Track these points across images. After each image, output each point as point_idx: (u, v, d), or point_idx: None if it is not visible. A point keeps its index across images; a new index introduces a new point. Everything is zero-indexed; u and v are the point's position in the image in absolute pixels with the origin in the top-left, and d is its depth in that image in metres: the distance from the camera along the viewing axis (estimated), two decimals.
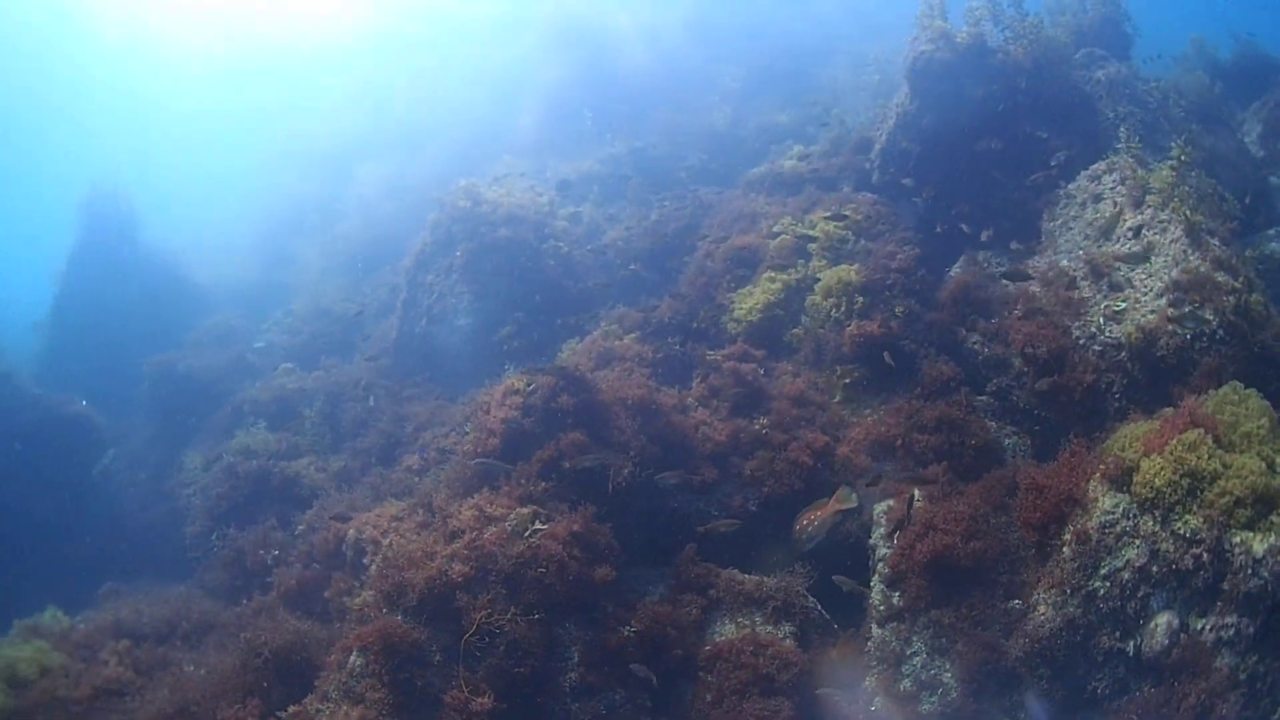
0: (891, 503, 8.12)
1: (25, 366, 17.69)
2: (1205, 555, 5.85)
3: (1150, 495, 6.14)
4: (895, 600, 7.51)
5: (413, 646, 6.85)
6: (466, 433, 10.06)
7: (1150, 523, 6.16)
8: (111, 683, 8.09)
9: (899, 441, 9.10)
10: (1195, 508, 5.95)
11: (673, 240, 14.22)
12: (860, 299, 10.70)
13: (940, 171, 12.44)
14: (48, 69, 44.70)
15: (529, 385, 9.11)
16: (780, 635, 7.75)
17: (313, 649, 7.71)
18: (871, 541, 8.06)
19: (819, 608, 8.23)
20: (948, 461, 8.63)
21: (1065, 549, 6.59)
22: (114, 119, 45.61)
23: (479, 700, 6.53)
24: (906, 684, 7.09)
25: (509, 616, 7.03)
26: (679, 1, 25.63)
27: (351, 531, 9.23)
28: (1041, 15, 13.46)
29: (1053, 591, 6.54)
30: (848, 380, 10.27)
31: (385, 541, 8.43)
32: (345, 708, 6.60)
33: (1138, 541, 6.17)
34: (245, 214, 26.80)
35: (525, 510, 7.93)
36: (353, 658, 6.88)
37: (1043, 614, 6.56)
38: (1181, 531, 5.97)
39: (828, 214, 12.10)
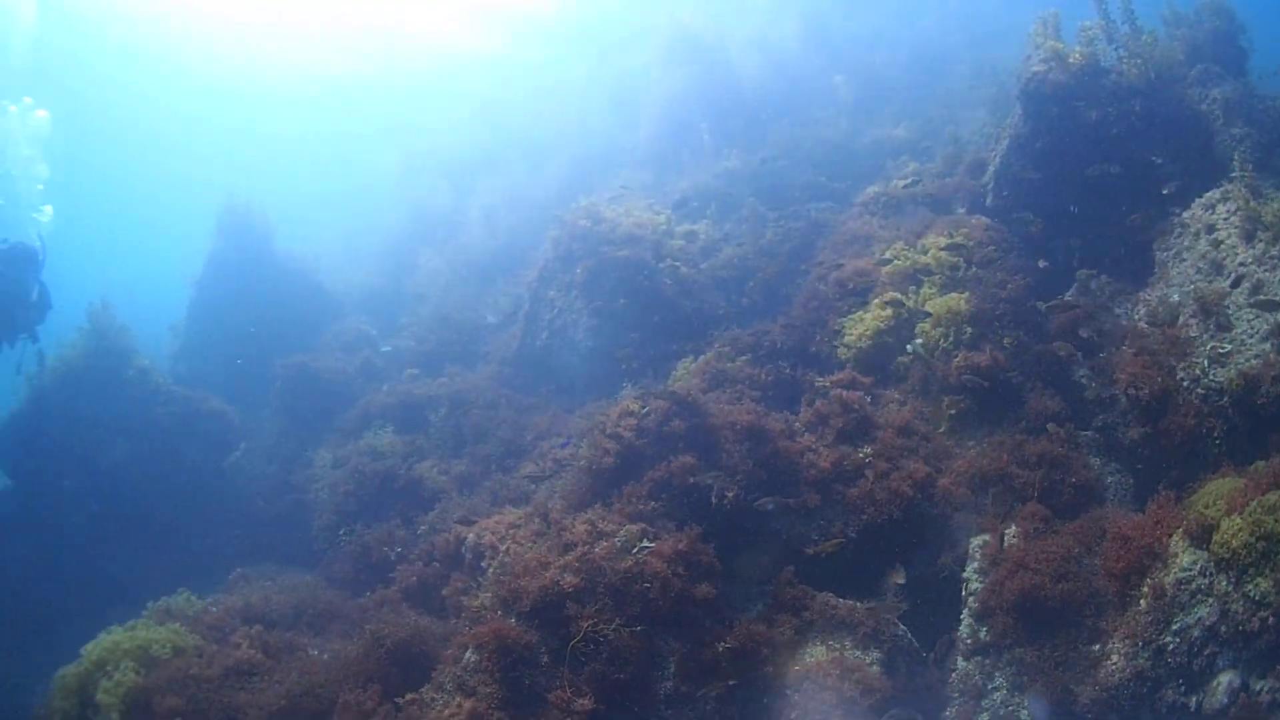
0: (987, 538, 8.30)
1: (162, 364, 18.71)
2: (1271, 619, 5.96)
3: (1227, 555, 6.26)
4: (982, 635, 7.74)
5: (524, 648, 7.41)
6: (582, 448, 10.61)
7: (1224, 583, 6.29)
8: (242, 663, 8.72)
9: (999, 476, 9.11)
10: (1268, 571, 6.04)
11: (786, 261, 14.53)
12: (969, 329, 10.76)
13: (1053, 197, 12.40)
14: (197, 109, 48.39)
15: (644, 408, 9.61)
16: (868, 661, 7.97)
17: (430, 643, 8.39)
18: (965, 575, 8.26)
19: (909, 636, 8.42)
20: (1047, 498, 8.68)
21: (1143, 601, 6.76)
22: (249, 142, 48.28)
23: (581, 701, 7.05)
24: (984, 718, 7.36)
25: (613, 626, 7.50)
26: (794, 12, 25.70)
27: (471, 535, 9.83)
28: (1157, 30, 13.04)
29: (1126, 642, 6.72)
30: (953, 411, 10.35)
31: (503, 548, 8.98)
32: (458, 699, 7.21)
33: (1210, 600, 6.32)
34: (374, 225, 27.87)
35: (634, 528, 8.42)
36: (468, 654, 7.50)
37: (1114, 663, 6.75)
38: (1252, 594, 6.08)
39: (940, 239, 12.16)
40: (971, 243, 12.14)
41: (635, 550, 8.13)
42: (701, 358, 12.31)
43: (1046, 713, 7.14)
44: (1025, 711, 7.21)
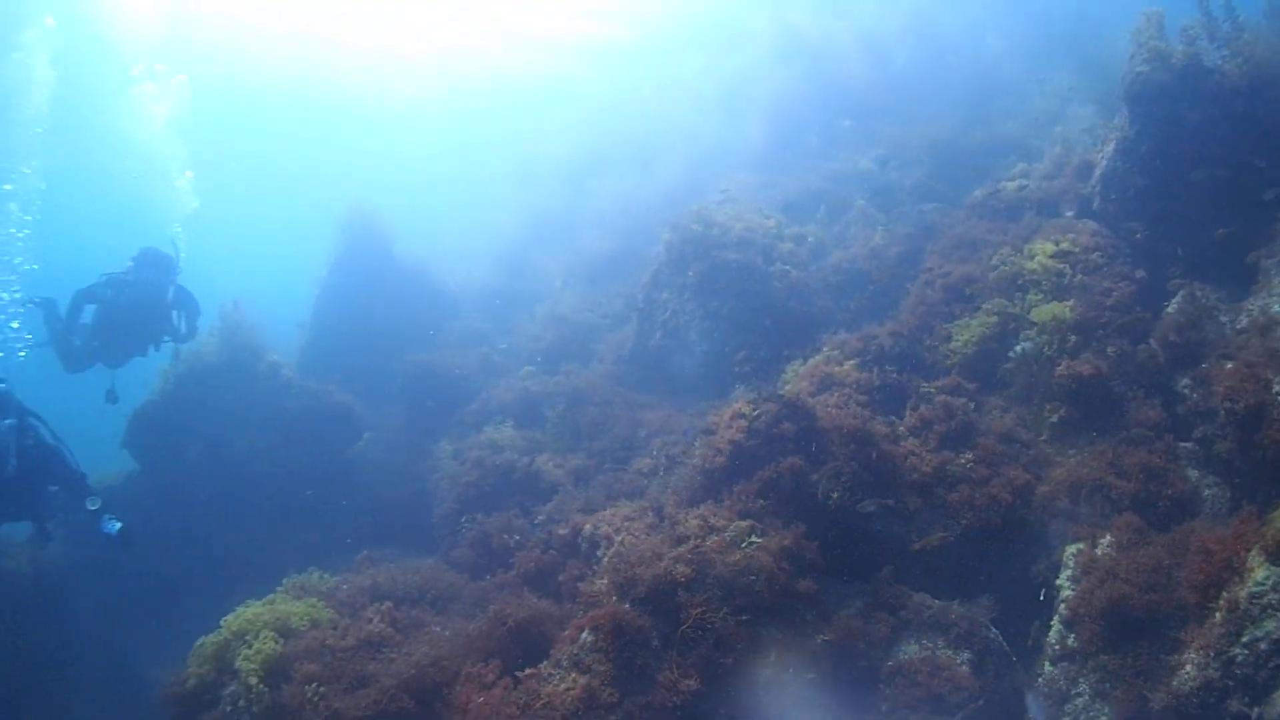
0: (1082, 546, 8.55)
1: (289, 358, 19.54)
2: None
3: None
4: (1070, 641, 8.01)
5: (637, 631, 7.94)
6: (695, 447, 11.11)
7: None
8: (373, 636, 9.43)
9: (1097, 486, 9.30)
10: None
11: (895, 265, 14.71)
12: (1073, 337, 10.91)
13: (1159, 202, 12.35)
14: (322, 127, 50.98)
15: (755, 411, 10.07)
16: (958, 660, 8.34)
17: (547, 624, 8.99)
18: (1058, 582, 8.54)
19: (1000, 639, 8.70)
20: (1142, 509, 8.86)
21: (1218, 614, 6.92)
22: (372, 158, 50.43)
23: (687, 682, 7.56)
24: None
25: (720, 615, 7.97)
26: (899, 8, 25.54)
27: (589, 526, 10.46)
28: (1259, 26, 12.83)
29: (1200, 652, 6.90)
30: (1054, 418, 10.49)
31: (618, 538, 9.61)
32: (574, 675, 7.78)
33: (1279, 615, 6.47)
34: (491, 228, 28.41)
35: (744, 523, 8.91)
36: (584, 634, 8.06)
37: (1186, 673, 6.94)
38: None
39: (1047, 246, 12.30)
40: (1077, 249, 12.22)
41: (744, 545, 8.63)
42: (810, 361, 12.61)
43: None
44: (1105, 718, 7.46)
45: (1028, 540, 9.51)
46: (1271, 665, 6.38)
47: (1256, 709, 6.40)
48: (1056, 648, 8.11)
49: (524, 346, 19.43)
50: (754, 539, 8.66)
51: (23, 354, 16.07)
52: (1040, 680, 8.15)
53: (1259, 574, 6.70)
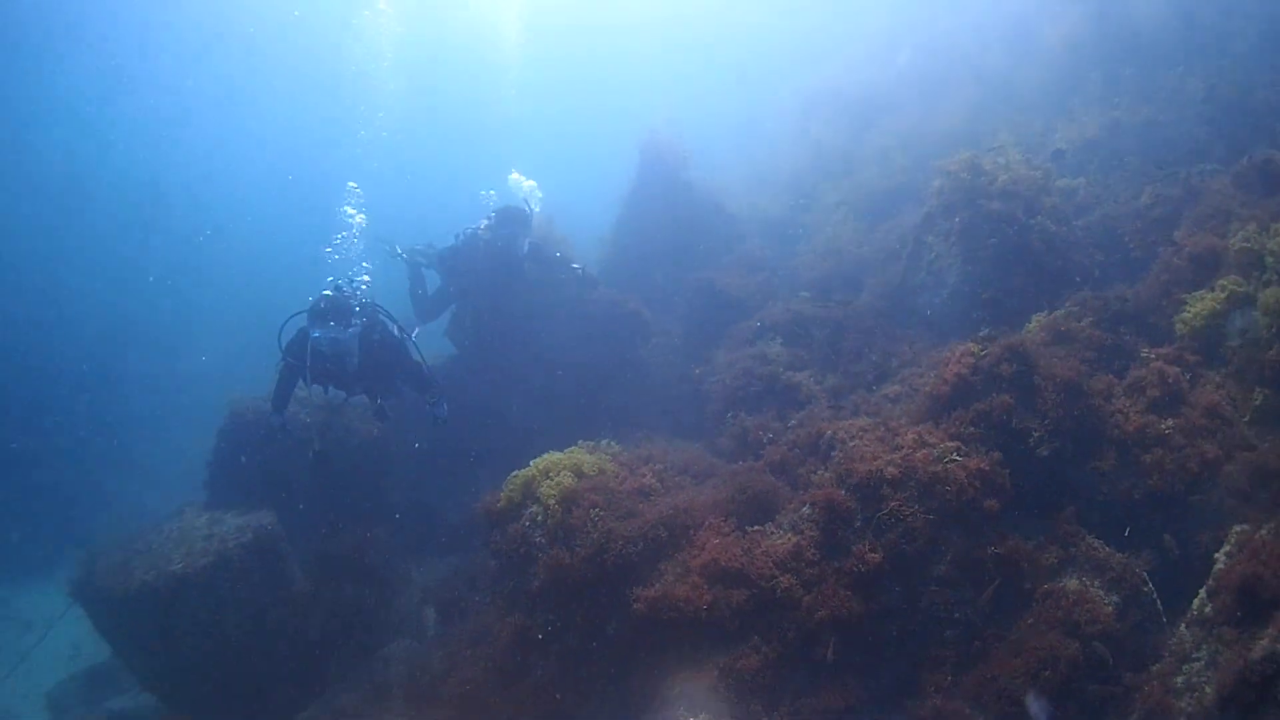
0: (1247, 527, 9.33)
1: (592, 270, 21.67)
2: None
3: None
4: (1206, 609, 8.65)
5: (845, 511, 10.22)
6: (929, 378, 13.12)
7: None
8: (644, 487, 11.84)
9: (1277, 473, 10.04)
10: None
11: (1149, 228, 15.40)
12: None
13: None
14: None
15: (981, 351, 11.89)
16: (1105, 600, 9.68)
17: (779, 499, 11.20)
18: (1216, 555, 9.36)
19: (1153, 594, 9.74)
20: None
21: None
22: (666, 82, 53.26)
23: (873, 555, 9.80)
24: (1179, 680, 8.43)
25: (912, 511, 10.06)
26: None
27: (830, 431, 12.39)
28: None
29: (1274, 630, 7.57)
30: (1258, 402, 11.20)
31: (850, 443, 11.61)
32: (789, 535, 10.25)
33: None
34: (778, 158, 29.58)
35: (951, 444, 10.84)
36: (804, 508, 10.46)
37: (1263, 646, 7.53)
38: None
39: None
40: None
41: (946, 460, 10.69)
42: (1053, 314, 13.79)
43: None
44: (1210, 687, 7.88)
45: (1205, 511, 10.37)
46: None
47: None
48: (1194, 613, 8.77)
49: (801, 274, 21.10)
50: (955, 457, 10.60)
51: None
52: (1173, 639, 8.91)
53: None
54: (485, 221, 18.68)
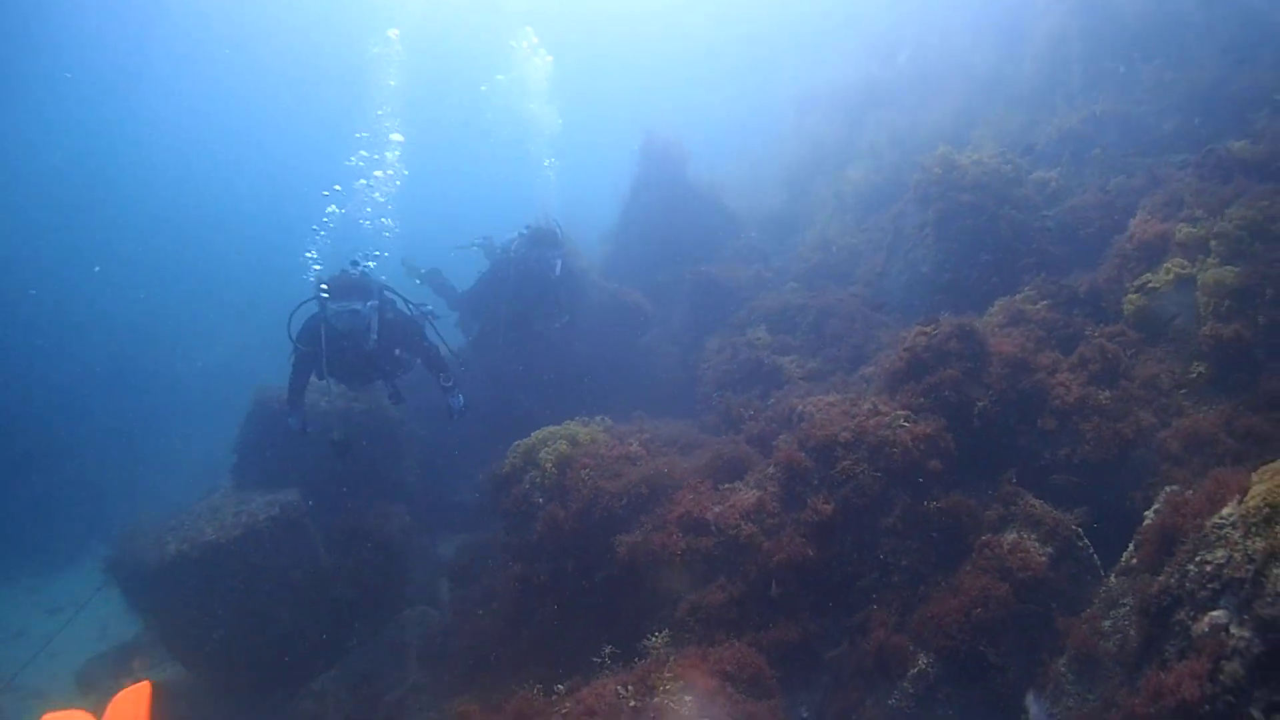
0: (1176, 488, 9.54)
1: (595, 265, 23.89)
2: (1252, 574, 6.68)
3: (1243, 514, 7.08)
4: (1132, 560, 9.19)
5: (803, 470, 11.73)
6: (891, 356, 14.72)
7: (1236, 534, 7.12)
8: (631, 454, 13.16)
9: (1210, 440, 10.92)
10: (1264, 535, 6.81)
11: (1109, 216, 16.71)
12: (1228, 302, 12.21)
13: None
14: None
15: (933, 329, 13.48)
16: (1040, 551, 10.31)
17: (751, 464, 12.76)
18: (1146, 513, 9.51)
19: (1089, 548, 10.36)
20: (1238, 465, 9.61)
21: (1191, 540, 7.81)
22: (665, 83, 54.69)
23: (825, 506, 11.27)
24: (1106, 624, 8.96)
25: (862, 470, 11.45)
26: None
27: (800, 406, 13.68)
28: None
29: (1176, 563, 7.64)
30: (1194, 375, 12.21)
31: (816, 415, 13.03)
32: (754, 490, 11.85)
33: (1224, 547, 7.13)
34: (776, 154, 31.27)
35: (902, 412, 12.20)
36: (769, 468, 12.18)
37: (1161, 581, 7.68)
38: (1249, 550, 6.82)
39: (1239, 212, 13.05)
40: (1263, 218, 12.68)
41: (895, 425, 12.23)
42: (1010, 299, 15.04)
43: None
44: (1134, 631, 8.24)
45: (1136, 473, 11.11)
46: (1209, 588, 7.14)
47: (1194, 624, 7.09)
48: (1123, 564, 9.36)
49: (793, 266, 22.66)
50: (903, 423, 12.03)
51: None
52: (1103, 589, 9.42)
53: (1225, 510, 7.44)
54: (515, 237, 19.83)
